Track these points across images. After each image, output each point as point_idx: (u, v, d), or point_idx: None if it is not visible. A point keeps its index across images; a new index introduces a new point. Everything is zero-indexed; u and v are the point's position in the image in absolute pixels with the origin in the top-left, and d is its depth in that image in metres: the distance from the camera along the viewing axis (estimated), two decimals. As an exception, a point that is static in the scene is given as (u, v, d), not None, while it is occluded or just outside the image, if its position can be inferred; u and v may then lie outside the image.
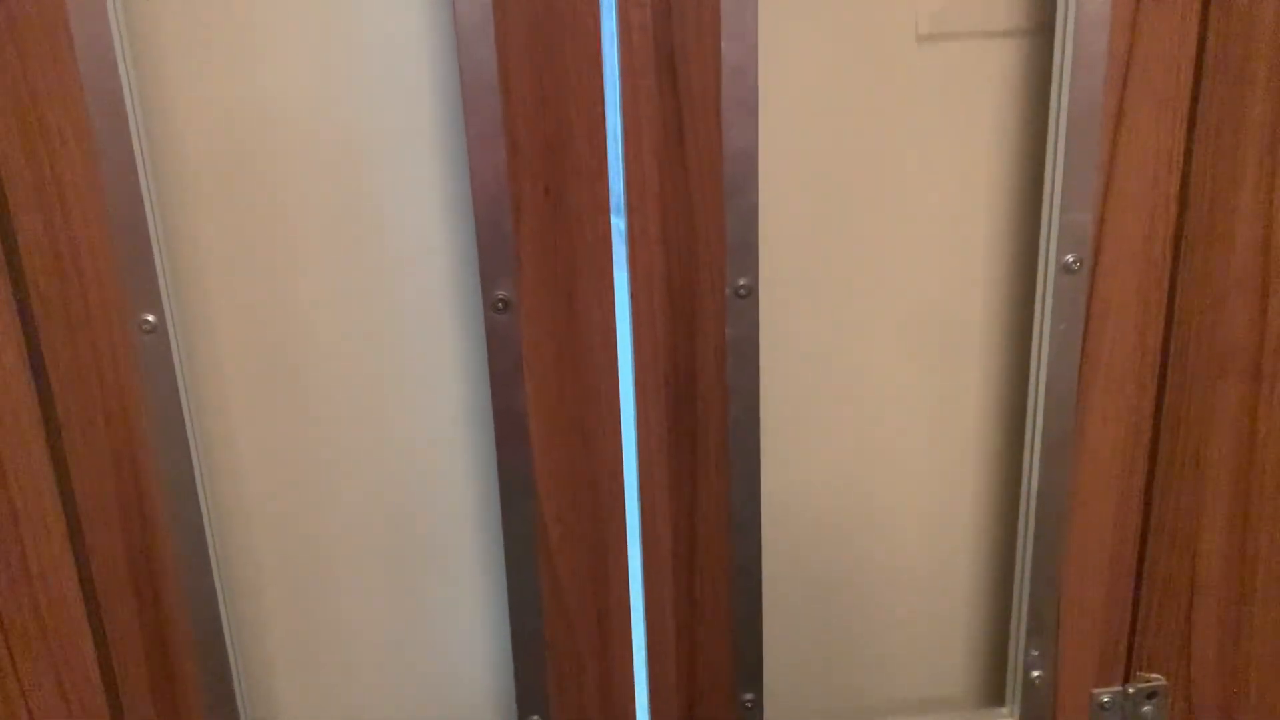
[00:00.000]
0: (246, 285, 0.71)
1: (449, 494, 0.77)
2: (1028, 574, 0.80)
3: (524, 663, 0.79)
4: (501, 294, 0.69)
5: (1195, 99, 0.71)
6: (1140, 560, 0.82)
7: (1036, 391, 0.77)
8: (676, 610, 0.79)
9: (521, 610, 0.77)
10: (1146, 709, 0.86)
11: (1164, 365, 0.77)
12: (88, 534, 0.73)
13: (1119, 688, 0.85)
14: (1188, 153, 0.73)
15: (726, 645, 0.80)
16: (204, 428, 0.74)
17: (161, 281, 0.68)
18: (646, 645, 0.80)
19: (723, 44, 0.66)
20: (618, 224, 0.69)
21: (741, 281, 0.71)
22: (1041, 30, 0.72)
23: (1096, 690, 0.85)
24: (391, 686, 0.82)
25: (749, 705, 0.82)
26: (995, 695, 0.87)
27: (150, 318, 0.68)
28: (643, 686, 0.81)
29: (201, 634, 0.76)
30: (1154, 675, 0.85)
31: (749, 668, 0.81)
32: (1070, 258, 0.73)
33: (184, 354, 0.71)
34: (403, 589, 0.80)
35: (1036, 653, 0.83)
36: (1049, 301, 0.74)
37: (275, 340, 0.73)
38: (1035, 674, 0.84)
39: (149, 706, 0.77)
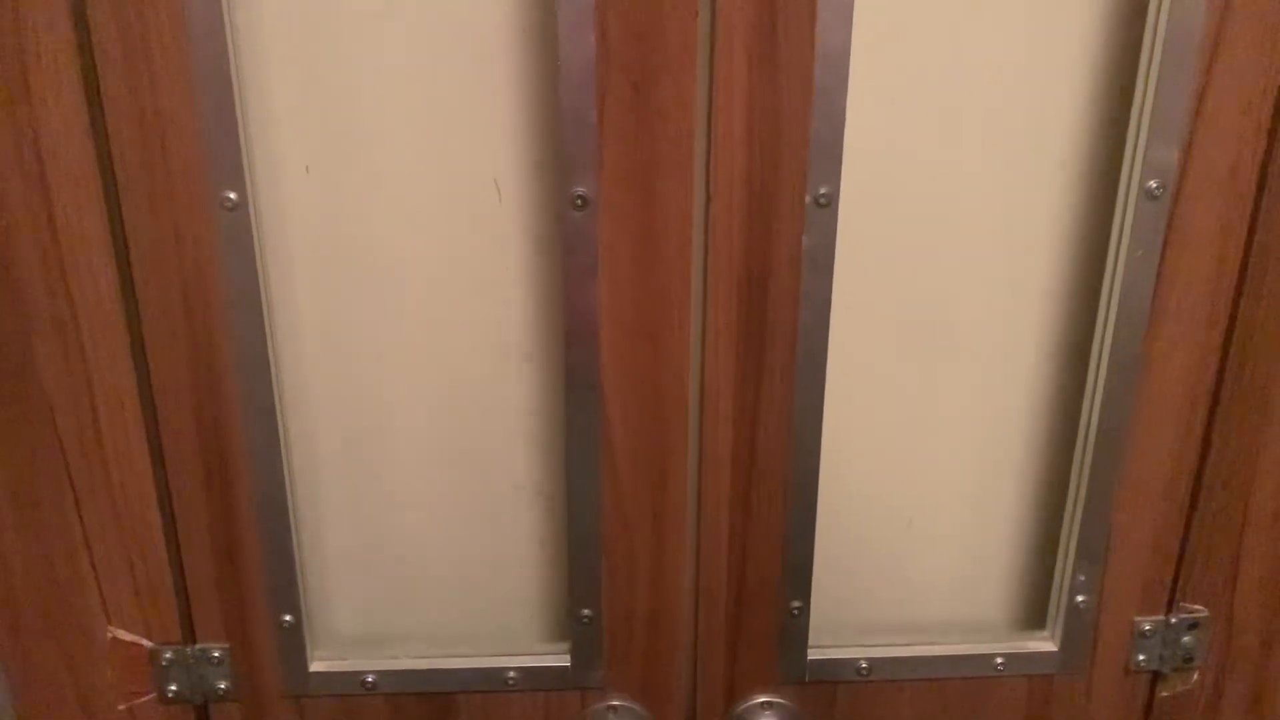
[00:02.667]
0: (325, 169, 0.71)
1: (511, 388, 0.78)
2: (1081, 496, 0.81)
3: (579, 558, 0.80)
4: (581, 190, 0.69)
5: (1296, 25, 0.70)
6: (1194, 493, 0.82)
7: (1107, 317, 0.76)
8: (731, 515, 0.80)
9: (580, 507, 0.78)
10: (1186, 639, 0.87)
11: (1237, 299, 0.76)
12: (160, 410, 0.74)
13: (1161, 617, 0.86)
14: (1282, 82, 0.71)
15: (778, 553, 0.81)
16: (277, 312, 0.74)
17: (245, 159, 0.68)
18: (698, 547, 0.81)
19: (821, -57, 0.65)
20: (702, 124, 0.68)
21: (823, 190, 0.71)
22: (1144, -54, 0.70)
23: (1138, 618, 0.86)
24: (446, 579, 0.84)
25: (795, 613, 0.83)
26: (1036, 620, 0.88)
27: (232, 195, 0.68)
28: (692, 587, 0.82)
29: (266, 513, 0.77)
30: (1197, 607, 0.86)
31: (798, 576, 0.82)
32: (1153, 183, 0.72)
33: (262, 235, 0.71)
34: (461, 483, 0.81)
35: (1083, 578, 0.84)
36: (1128, 226, 0.73)
37: (349, 230, 0.73)
38: (1080, 599, 0.84)
39: (212, 583, 0.79)
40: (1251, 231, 0.75)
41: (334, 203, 0.72)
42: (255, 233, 0.70)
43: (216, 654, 0.81)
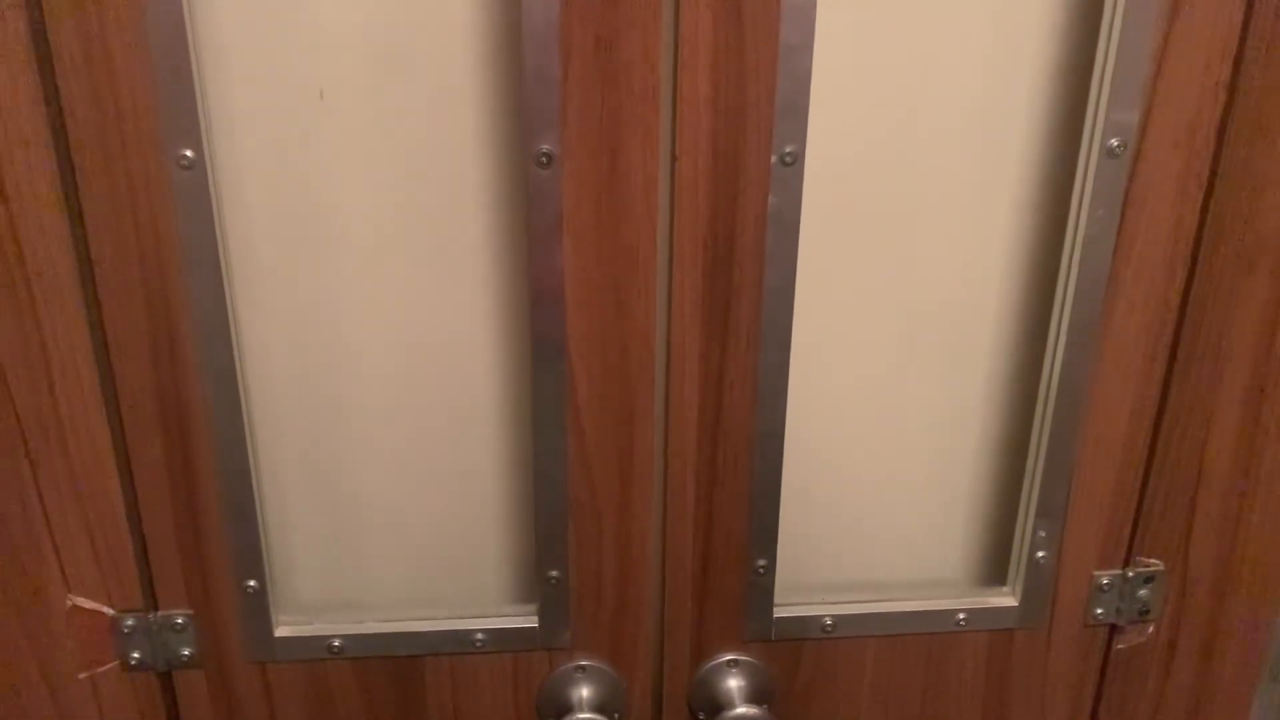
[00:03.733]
0: (281, 127, 0.70)
1: (477, 351, 0.78)
2: (1042, 454, 0.82)
3: (546, 520, 0.80)
4: (545, 147, 0.69)
5: (1255, -16, 0.70)
6: (1152, 448, 0.83)
7: (1068, 276, 0.77)
8: (697, 475, 0.80)
9: (546, 468, 0.78)
10: (1143, 592, 0.88)
11: (1195, 256, 0.78)
12: (118, 373, 0.73)
13: (1119, 571, 0.88)
14: (1242, 40, 0.72)
15: (744, 512, 0.82)
16: (236, 273, 0.73)
17: (201, 115, 0.66)
18: (664, 508, 0.81)
19: (786, -103, 0.64)
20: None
21: (788, 149, 0.71)
22: (1106, -96, 0.70)
23: (1097, 572, 0.88)
24: (412, 541, 0.84)
25: (761, 571, 0.83)
26: (997, 576, 0.90)
27: (189, 153, 0.67)
28: (658, 547, 0.82)
29: (228, 477, 0.76)
30: (1153, 560, 0.88)
31: (764, 535, 0.82)
32: (1114, 141, 0.73)
33: (219, 194, 0.70)
34: (427, 445, 0.80)
35: (1043, 534, 0.85)
36: (1089, 185, 0.74)
37: (306, 187, 0.72)
38: (1040, 554, 0.86)
39: (174, 549, 0.78)
40: (1209, 190, 0.75)
41: (294, 160, 0.71)
42: (212, 191, 0.68)
43: (179, 620, 0.80)
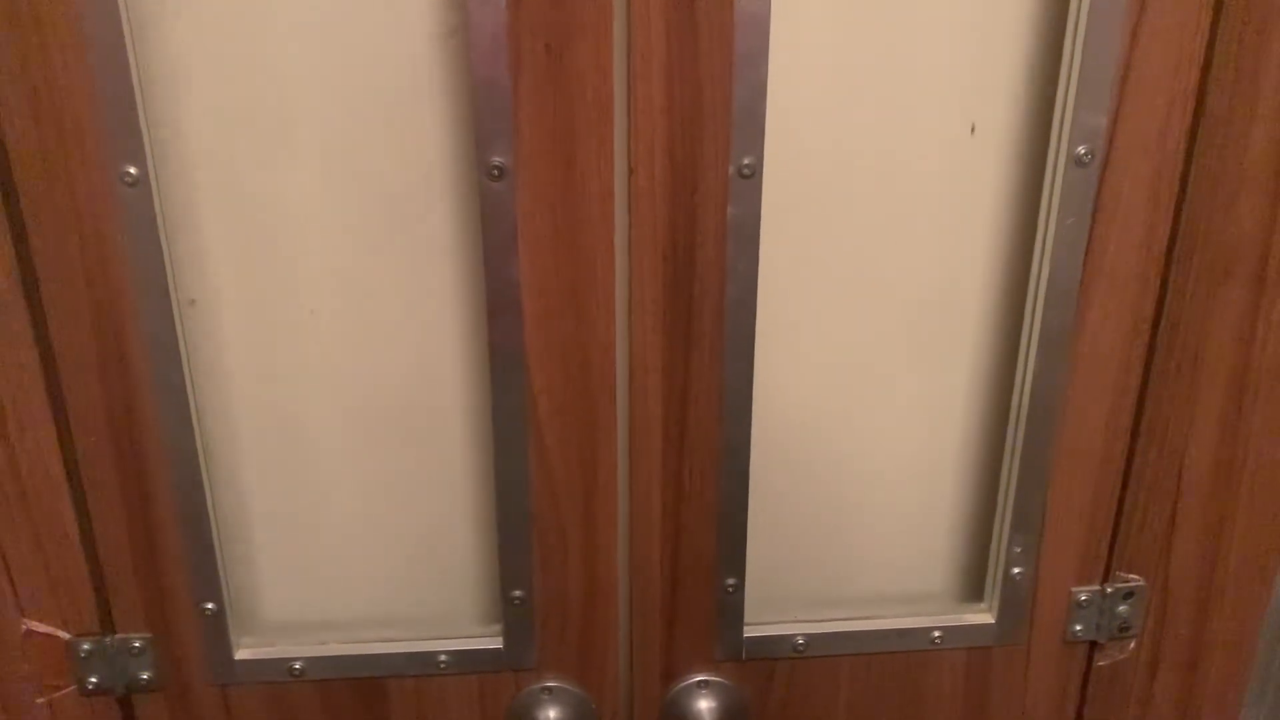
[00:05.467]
0: (230, 142, 0.69)
1: (436, 367, 0.76)
2: (1016, 468, 0.80)
3: (509, 538, 0.78)
4: (498, 160, 0.67)
5: (1223, -12, 0.69)
6: (1129, 461, 0.82)
7: (1038, 286, 0.76)
8: (663, 491, 0.78)
9: (508, 485, 0.77)
10: (1122, 608, 0.87)
11: (1168, 265, 0.76)
12: (67, 392, 0.71)
13: (1097, 586, 0.86)
14: (1210, 46, 0.70)
15: (711, 529, 0.80)
16: (184, 287, 0.72)
17: (144, 132, 0.65)
18: (630, 525, 0.79)
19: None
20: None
21: (746, 160, 0.69)
22: (1070, -94, 0.69)
23: (1075, 588, 0.86)
24: (374, 562, 0.82)
25: (730, 590, 0.82)
26: (974, 592, 0.88)
27: (132, 170, 0.66)
28: (625, 565, 0.81)
29: (183, 495, 0.75)
30: (1133, 575, 0.86)
31: (732, 553, 0.81)
32: (1082, 149, 0.71)
33: (165, 210, 0.69)
34: (387, 463, 0.79)
35: (1019, 549, 0.83)
36: (1057, 194, 0.73)
37: (259, 202, 0.71)
38: (1016, 570, 0.84)
39: (130, 571, 0.77)
40: (1181, 197, 0.74)
41: (243, 175, 0.70)
42: (159, 208, 0.67)
43: (137, 644, 0.79)
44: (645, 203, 0.70)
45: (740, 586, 0.82)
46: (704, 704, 0.85)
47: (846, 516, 0.85)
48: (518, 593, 0.80)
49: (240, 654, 0.81)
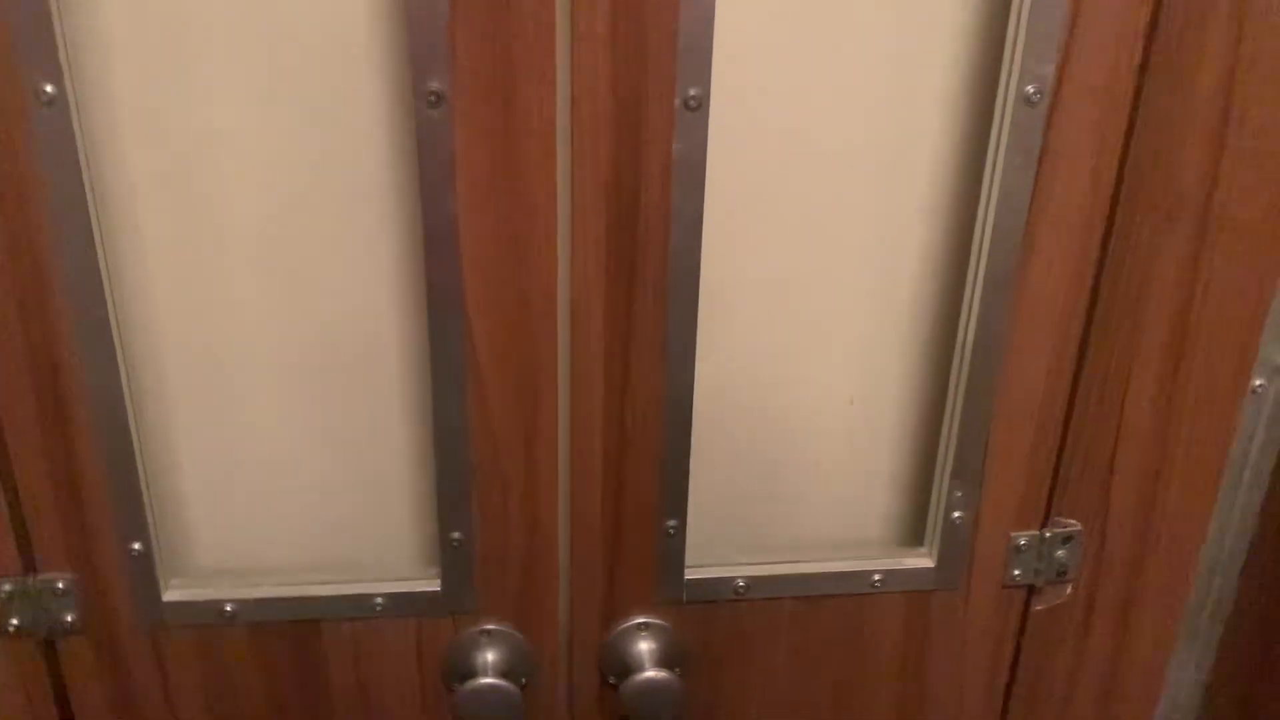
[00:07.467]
0: (155, 67, 0.66)
1: (372, 305, 0.74)
2: (958, 413, 0.80)
3: (447, 479, 0.77)
4: (434, 86, 0.65)
5: (1175, -74, 0.68)
6: (1070, 406, 0.82)
7: (984, 228, 0.75)
8: (605, 433, 0.77)
9: (447, 426, 0.75)
10: (1060, 553, 0.87)
11: (1113, 209, 0.76)
12: (-17, 325, 0.69)
13: (1036, 531, 0.86)
14: (1160, -14, 0.69)
15: (653, 471, 0.79)
16: (107, 218, 0.69)
17: (61, 47, 0.62)
18: (571, 466, 0.78)
19: None
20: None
21: (692, 92, 0.68)
22: None
23: (1014, 533, 0.86)
24: (309, 503, 0.80)
25: (671, 532, 0.81)
26: (915, 536, 0.88)
27: (49, 87, 0.63)
28: (565, 507, 0.80)
29: (107, 435, 0.72)
30: (1071, 520, 0.87)
31: (674, 496, 0.80)
32: (1031, 89, 0.71)
33: (85, 132, 0.66)
34: (322, 402, 0.77)
35: (959, 494, 0.83)
36: (1006, 134, 0.72)
37: (187, 127, 0.68)
38: (956, 515, 0.84)
39: (52, 510, 0.75)
40: (1127, 141, 0.73)
41: (169, 96, 0.67)
42: (77, 129, 0.64)
43: (61, 585, 0.77)
44: (588, 136, 0.68)
45: (681, 529, 0.81)
46: (644, 646, 0.84)
47: (789, 460, 0.84)
48: (456, 535, 0.79)
49: (169, 596, 0.79)
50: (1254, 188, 0.76)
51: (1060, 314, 0.78)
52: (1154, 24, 0.70)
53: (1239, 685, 0.94)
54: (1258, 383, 0.84)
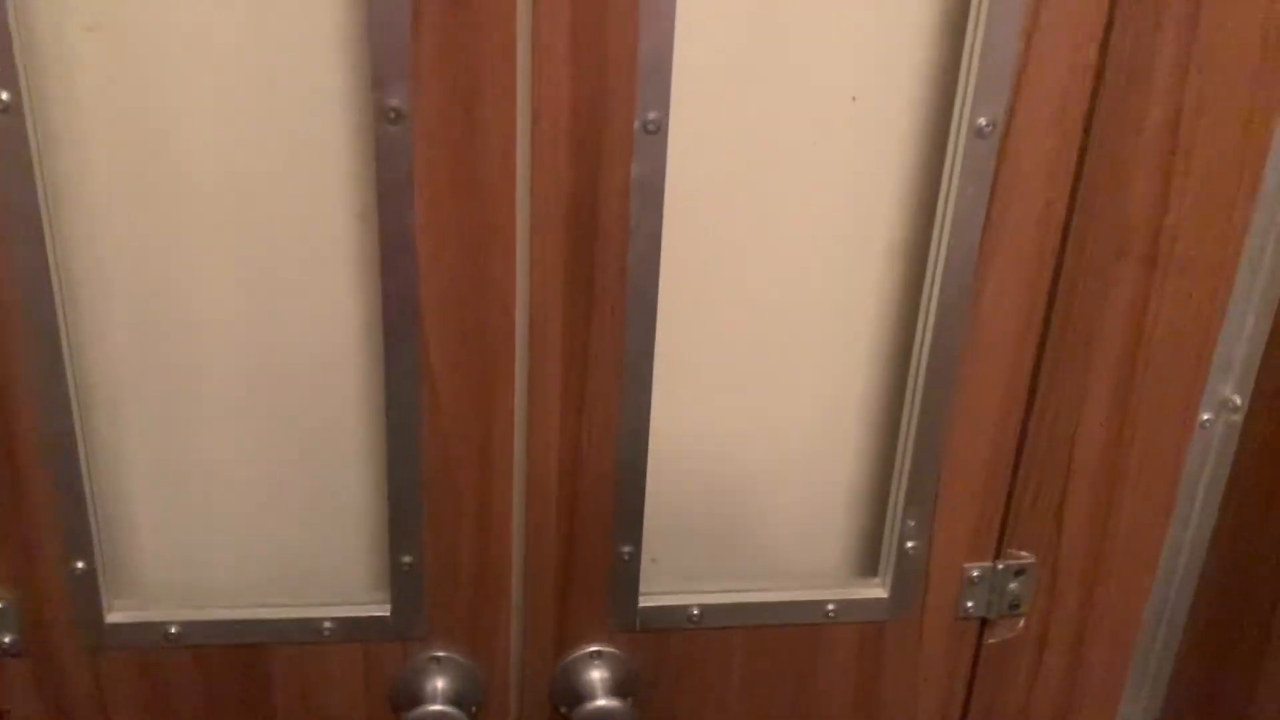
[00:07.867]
0: (113, 74, 0.65)
1: (327, 321, 0.74)
2: (911, 442, 0.81)
3: (399, 501, 0.76)
4: (394, 102, 0.65)
5: (1122, -33, 0.70)
6: (1022, 437, 0.83)
7: (937, 258, 0.76)
8: (560, 455, 0.77)
9: (400, 446, 0.75)
10: (1013, 585, 0.88)
11: (1064, 241, 0.77)
12: (-71, 333, 0.67)
13: (989, 563, 0.87)
14: (1109, 25, 0.71)
15: (609, 496, 0.79)
16: (61, 229, 0.68)
17: (16, 51, 0.62)
18: (526, 489, 0.78)
19: None
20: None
21: (651, 115, 0.68)
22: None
23: (967, 564, 0.86)
24: (258, 523, 0.79)
25: (626, 558, 0.81)
26: (869, 567, 0.88)
27: (4, 95, 0.62)
28: (520, 531, 0.79)
29: (52, 450, 0.71)
30: (1024, 553, 0.87)
31: (629, 520, 0.80)
32: (983, 120, 0.72)
33: (42, 141, 0.65)
34: (272, 420, 0.76)
35: (913, 524, 0.84)
36: (958, 164, 0.73)
37: (147, 138, 0.67)
38: (910, 544, 0.84)
39: (-6, 525, 0.73)
40: (1078, 176, 0.75)
41: (129, 107, 0.66)
42: (32, 137, 0.64)
43: (0, 604, 0.75)
44: (548, 155, 0.68)
45: (636, 555, 0.81)
46: (596, 675, 0.83)
47: (744, 489, 0.84)
48: (407, 558, 0.78)
49: (112, 617, 0.77)
50: (1201, 224, 0.77)
51: (1012, 346, 0.79)
52: (1103, 61, 0.72)
53: (1189, 718, 0.95)
54: (1205, 417, 0.85)
